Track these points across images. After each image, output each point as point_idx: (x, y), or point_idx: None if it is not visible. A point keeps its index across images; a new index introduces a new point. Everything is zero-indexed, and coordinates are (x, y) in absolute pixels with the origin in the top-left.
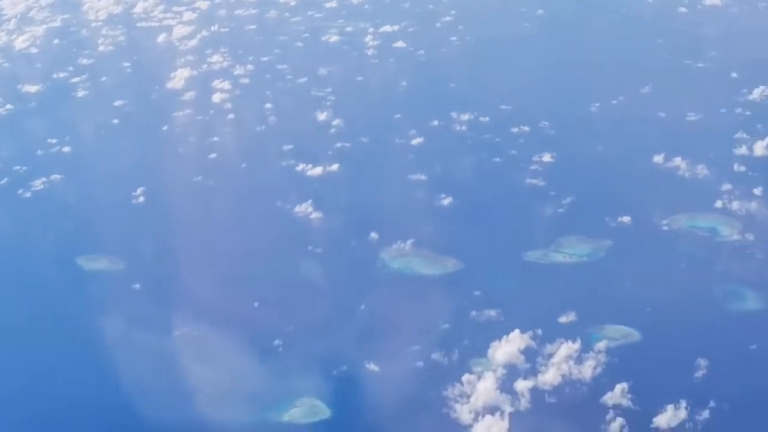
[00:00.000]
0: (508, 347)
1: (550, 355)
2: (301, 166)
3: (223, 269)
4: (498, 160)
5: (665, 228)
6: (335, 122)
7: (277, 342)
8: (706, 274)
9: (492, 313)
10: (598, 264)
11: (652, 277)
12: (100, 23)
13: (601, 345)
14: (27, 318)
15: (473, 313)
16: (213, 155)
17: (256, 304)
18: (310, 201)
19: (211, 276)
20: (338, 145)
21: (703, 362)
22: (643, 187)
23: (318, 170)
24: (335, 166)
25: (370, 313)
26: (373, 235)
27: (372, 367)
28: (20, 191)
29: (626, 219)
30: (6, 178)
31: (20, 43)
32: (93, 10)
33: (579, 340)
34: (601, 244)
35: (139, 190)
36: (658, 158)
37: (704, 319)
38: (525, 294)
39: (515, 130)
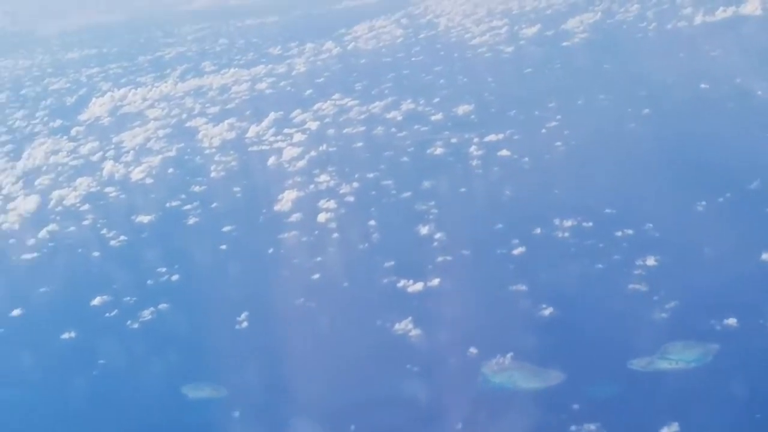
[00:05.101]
0: None
1: None
2: (402, 283)
3: (320, 393)
4: (600, 266)
5: None
6: (437, 236)
7: None
8: None
9: (592, 427)
10: (705, 370)
11: (763, 381)
12: (213, 150)
13: None
14: None
15: (573, 427)
16: (316, 276)
17: (353, 427)
18: (409, 318)
19: (309, 400)
20: (440, 259)
21: None
22: (751, 287)
23: (419, 286)
24: (436, 281)
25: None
26: (473, 350)
27: None
28: (128, 322)
29: (732, 321)
30: (116, 310)
31: (136, 174)
32: (207, 138)
33: None
34: (709, 348)
35: (243, 316)
36: (766, 256)
37: None
38: (627, 405)
39: (619, 233)
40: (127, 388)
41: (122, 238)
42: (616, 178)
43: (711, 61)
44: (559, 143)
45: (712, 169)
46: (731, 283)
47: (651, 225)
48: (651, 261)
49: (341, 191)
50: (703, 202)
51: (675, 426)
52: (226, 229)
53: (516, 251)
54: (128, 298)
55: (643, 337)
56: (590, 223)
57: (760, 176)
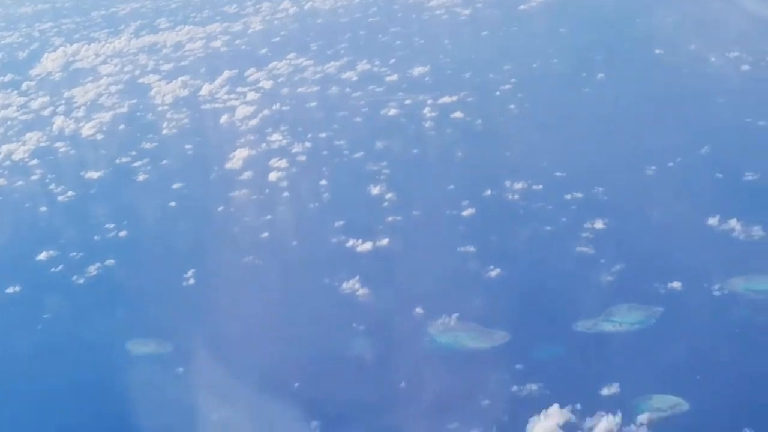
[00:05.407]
0: (546, 423)
1: (590, 430)
2: (351, 242)
3: (265, 350)
4: (549, 228)
5: (717, 293)
6: (388, 196)
7: (314, 423)
8: (763, 338)
9: (534, 387)
10: (648, 332)
11: (705, 343)
12: (166, 107)
13: (643, 417)
14: (71, 401)
15: (514, 387)
16: (265, 234)
17: (296, 384)
18: (357, 277)
19: (253, 357)
20: (390, 219)
21: None
22: (696, 251)
23: (367, 245)
24: (385, 241)
25: (411, 390)
26: (419, 309)
27: None
28: (74, 277)
29: (677, 285)
30: (61, 265)
31: (87, 129)
32: (160, 95)
33: (620, 413)
34: (653, 311)
35: (190, 273)
36: (712, 221)
37: (760, 387)
38: (570, 365)
39: (568, 197)
40: (71, 343)
41: (70, 193)
42: (568, 142)
43: (667, 27)
44: (512, 106)
45: (664, 134)
46: (677, 247)
47: (600, 189)
48: (599, 224)
49: (293, 150)
50: (653, 167)
51: (615, 386)
52: (176, 186)
53: (466, 212)
54: (75, 253)
55: (589, 299)
56: (540, 186)
57: (711, 142)
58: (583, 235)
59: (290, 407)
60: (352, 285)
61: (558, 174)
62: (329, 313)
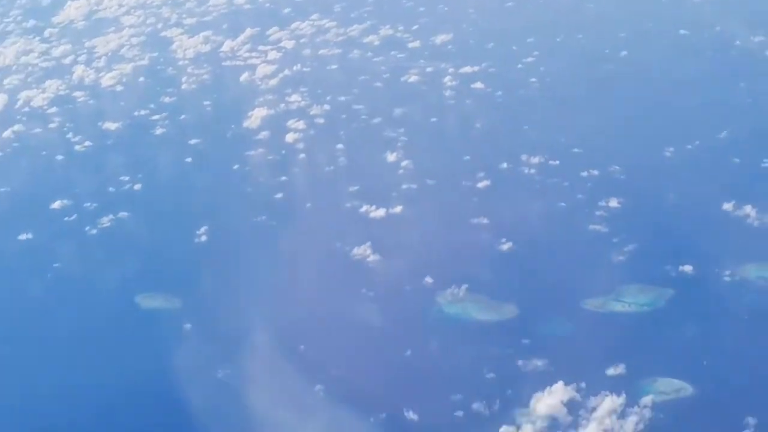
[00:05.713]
0: (550, 399)
1: (593, 409)
2: (364, 208)
3: (272, 311)
4: (563, 204)
5: (728, 278)
6: (404, 164)
7: (318, 387)
8: None
9: (539, 362)
10: (657, 314)
11: (713, 329)
12: (186, 62)
13: (647, 399)
14: (77, 352)
15: (520, 362)
16: (279, 195)
17: (302, 347)
18: (369, 243)
19: (260, 317)
20: (404, 186)
21: (752, 421)
22: (710, 235)
23: (381, 212)
24: (398, 208)
25: (416, 359)
26: (429, 279)
27: (411, 415)
28: (87, 228)
29: (688, 268)
30: (75, 215)
31: (107, 80)
32: (181, 49)
33: (624, 394)
34: (663, 293)
35: (202, 229)
36: (727, 206)
37: (766, 375)
38: (576, 343)
39: (584, 174)
40: (79, 293)
41: (87, 143)
42: (587, 119)
43: (694, 7)
44: (534, 79)
45: (685, 115)
46: (691, 230)
47: (617, 167)
48: (614, 203)
49: (312, 112)
50: (672, 148)
51: (621, 367)
52: (192, 142)
53: (481, 184)
54: (89, 203)
55: (599, 277)
56: (557, 162)
57: (730, 126)
58: (597, 213)
59: (295, 369)
60: (363, 251)
61: (575, 150)
62: (339, 278)
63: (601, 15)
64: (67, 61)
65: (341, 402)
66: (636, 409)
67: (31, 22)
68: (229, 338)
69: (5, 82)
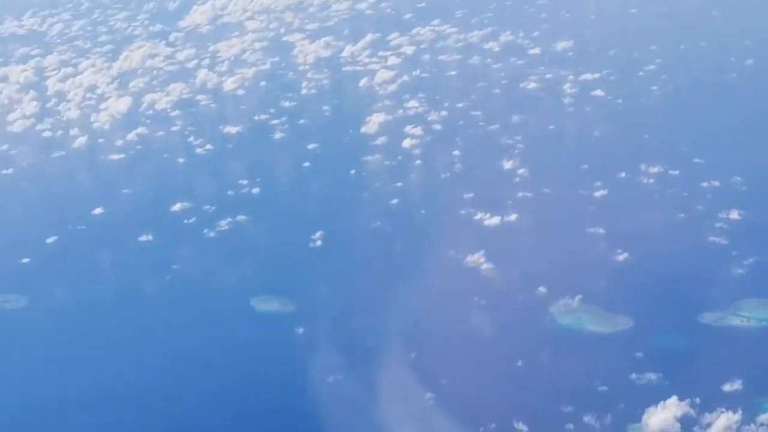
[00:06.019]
0: (663, 414)
1: (708, 425)
2: (479, 215)
3: (385, 317)
4: (682, 215)
5: None
6: (520, 171)
7: (428, 395)
8: None
9: (653, 376)
10: None
11: None
12: (307, 67)
13: (765, 417)
14: (191, 350)
15: (633, 375)
16: (394, 201)
17: (413, 354)
18: (482, 251)
19: (372, 324)
20: (520, 195)
21: None
22: None
23: (495, 220)
24: (513, 217)
25: (528, 369)
26: (542, 289)
27: (520, 426)
28: (206, 230)
29: None
30: (194, 218)
31: (229, 84)
32: (303, 54)
33: (740, 411)
34: None
35: (317, 234)
36: None
37: None
38: (692, 358)
39: (705, 184)
40: (196, 295)
41: (208, 146)
42: (709, 128)
43: None
44: (655, 87)
45: None
46: None
47: (739, 178)
48: (735, 215)
49: (429, 118)
50: None
51: (738, 383)
52: (311, 146)
53: (598, 193)
54: (208, 206)
55: (718, 291)
56: (677, 172)
57: None
58: (717, 224)
59: (406, 376)
60: (477, 259)
61: (696, 160)
62: (452, 286)
63: (727, 23)
64: (191, 64)
65: (451, 411)
66: (753, 426)
67: (158, 26)
68: (341, 344)
69: (131, 84)
